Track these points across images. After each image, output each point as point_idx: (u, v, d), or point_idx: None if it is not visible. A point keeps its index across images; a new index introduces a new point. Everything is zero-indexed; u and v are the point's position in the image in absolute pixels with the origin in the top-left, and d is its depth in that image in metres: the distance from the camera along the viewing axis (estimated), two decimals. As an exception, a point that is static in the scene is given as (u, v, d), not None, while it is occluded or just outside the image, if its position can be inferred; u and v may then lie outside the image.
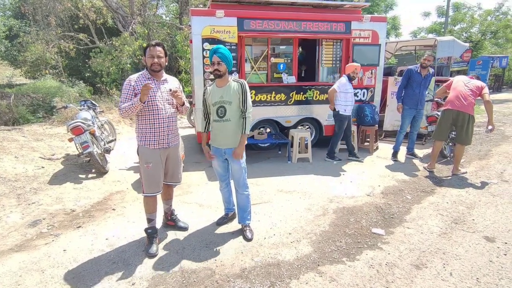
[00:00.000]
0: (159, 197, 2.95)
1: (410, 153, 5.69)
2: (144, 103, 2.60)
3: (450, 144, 5.66)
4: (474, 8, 20.64)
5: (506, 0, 20.84)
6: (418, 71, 5.29)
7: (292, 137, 5.49)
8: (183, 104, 2.83)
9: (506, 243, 2.95)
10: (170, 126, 2.82)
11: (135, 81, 2.70)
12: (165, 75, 2.85)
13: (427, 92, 6.61)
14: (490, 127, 4.45)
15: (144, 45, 10.39)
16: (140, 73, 2.78)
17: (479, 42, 19.38)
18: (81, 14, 11.89)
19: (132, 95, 2.67)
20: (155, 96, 2.70)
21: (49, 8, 10.80)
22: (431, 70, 5.44)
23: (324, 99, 5.88)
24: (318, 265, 2.64)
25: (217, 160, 3.06)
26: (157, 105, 2.70)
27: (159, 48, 2.70)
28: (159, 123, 2.73)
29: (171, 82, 2.86)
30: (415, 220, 3.40)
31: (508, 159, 5.47)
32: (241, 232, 3.12)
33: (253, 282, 2.43)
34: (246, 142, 2.95)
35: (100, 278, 2.47)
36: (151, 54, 2.68)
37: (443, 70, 8.17)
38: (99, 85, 12.14)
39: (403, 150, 5.67)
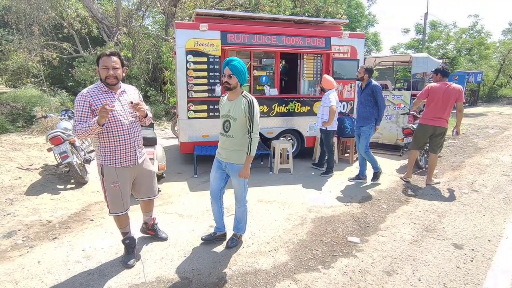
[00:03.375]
0: (138, 207, 2.93)
1: (356, 175, 5.12)
2: (102, 125, 2.35)
3: (426, 155, 5.90)
4: (450, 26, 21.74)
5: (479, 19, 21.99)
6: (360, 85, 4.99)
7: (274, 148, 5.59)
8: (146, 115, 2.66)
9: (473, 249, 3.10)
10: (136, 140, 2.64)
11: (91, 96, 2.43)
12: (122, 86, 2.61)
13: (403, 106, 6.91)
14: (455, 130, 4.80)
15: (130, 55, 10.43)
16: (93, 85, 2.51)
17: (455, 58, 20.34)
18: (65, 24, 11.84)
19: (88, 112, 2.40)
20: (115, 110, 2.46)
21: (33, 17, 10.69)
22: (374, 83, 4.76)
23: (306, 111, 6.05)
24: (294, 273, 2.70)
25: (215, 172, 3.01)
26: (120, 120, 2.48)
27: (114, 58, 2.46)
28: (124, 139, 2.52)
29: (130, 92, 2.65)
30: (389, 228, 3.52)
31: (479, 170, 5.74)
32: (220, 243, 3.15)
33: (229, 291, 2.46)
34: (250, 163, 2.82)
35: (74, 289, 2.45)
36: (105, 65, 2.42)
37: (419, 84, 8.56)
38: (82, 94, 12.00)
39: (389, 166, 5.85)
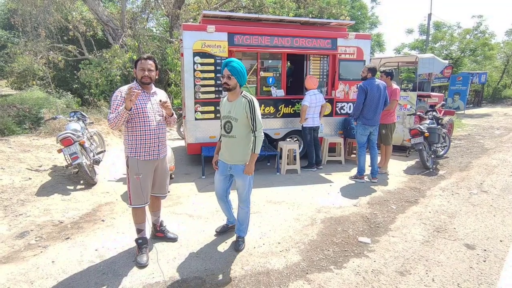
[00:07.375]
0: (147, 208, 2.96)
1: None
2: (130, 110, 2.58)
3: (433, 156, 5.89)
4: (454, 27, 21.65)
5: (483, 19, 21.84)
6: None
7: (281, 149, 5.60)
8: (172, 114, 2.88)
9: (485, 250, 3.09)
10: (161, 137, 2.85)
11: (125, 92, 2.65)
12: (154, 88, 2.89)
13: (409, 107, 6.90)
14: None
15: (135, 57, 10.46)
16: (129, 84, 2.78)
17: (459, 59, 20.25)
18: (70, 26, 11.92)
19: (121, 106, 2.66)
20: (145, 107, 2.73)
21: (38, 20, 10.78)
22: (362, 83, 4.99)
23: (312, 112, 6.04)
24: (307, 273, 2.71)
25: (219, 175, 3.04)
26: (148, 116, 2.74)
27: (150, 62, 2.75)
28: (149, 134, 2.75)
29: (160, 95, 2.91)
30: (400, 229, 3.52)
31: (487, 171, 5.72)
32: (231, 242, 3.16)
33: (243, 291, 2.47)
34: (255, 160, 2.87)
35: (89, 289, 2.47)
36: (142, 67, 2.72)
37: (424, 85, 8.53)
38: (87, 96, 12.07)
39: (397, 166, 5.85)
